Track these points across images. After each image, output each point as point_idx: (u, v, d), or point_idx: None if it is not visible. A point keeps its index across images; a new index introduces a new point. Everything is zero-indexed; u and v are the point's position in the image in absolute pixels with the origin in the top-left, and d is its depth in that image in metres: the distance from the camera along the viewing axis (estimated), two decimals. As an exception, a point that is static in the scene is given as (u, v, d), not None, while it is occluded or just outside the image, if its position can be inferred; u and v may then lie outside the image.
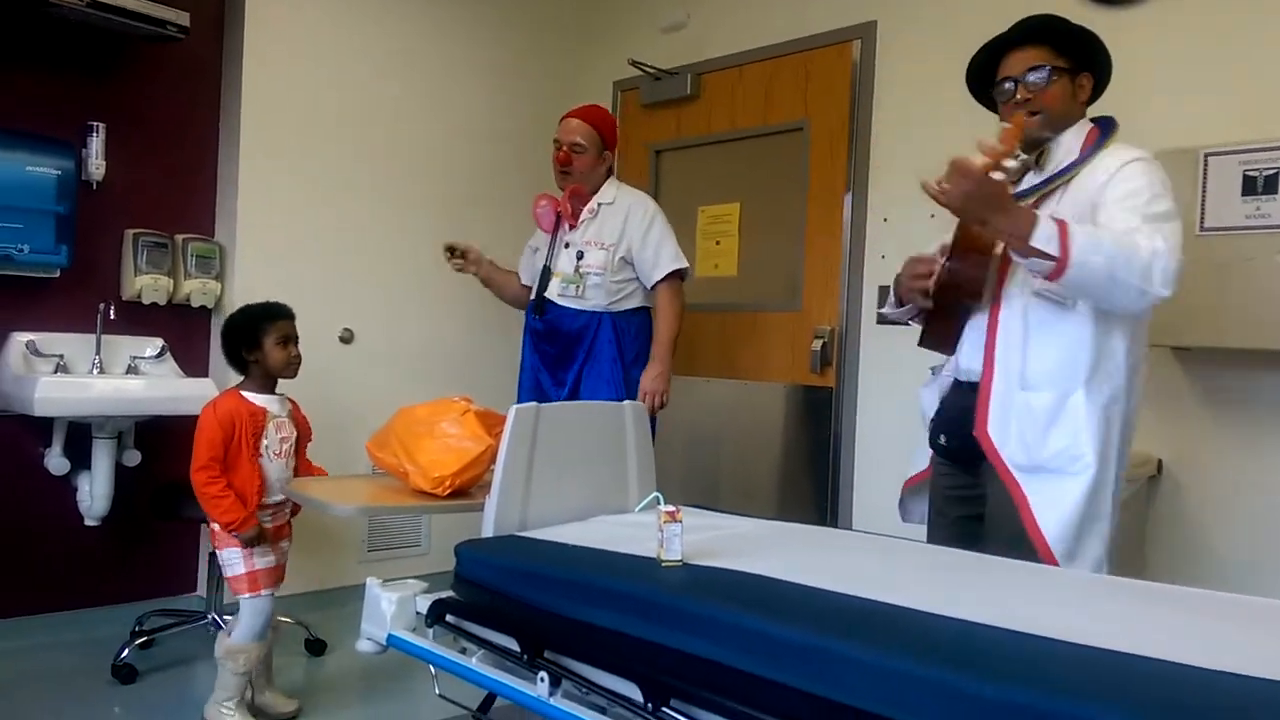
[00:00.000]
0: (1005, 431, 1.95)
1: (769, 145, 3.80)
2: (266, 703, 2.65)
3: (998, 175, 1.74)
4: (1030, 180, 2.05)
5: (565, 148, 3.14)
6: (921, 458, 2.26)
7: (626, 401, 2.30)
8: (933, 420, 2.18)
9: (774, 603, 1.47)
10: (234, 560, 2.54)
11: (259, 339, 2.60)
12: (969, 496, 2.09)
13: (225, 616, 3.07)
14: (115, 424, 3.12)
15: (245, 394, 2.59)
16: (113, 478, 3.13)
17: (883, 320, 2.20)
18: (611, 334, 3.12)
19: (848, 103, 3.52)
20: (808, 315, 3.64)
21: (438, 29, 3.98)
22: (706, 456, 3.94)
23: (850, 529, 3.30)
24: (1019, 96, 2.03)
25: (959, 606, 1.43)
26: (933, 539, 2.17)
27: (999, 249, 1.97)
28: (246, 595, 2.53)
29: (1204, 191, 2.53)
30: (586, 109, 3.25)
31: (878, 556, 1.87)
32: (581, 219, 3.15)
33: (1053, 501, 1.89)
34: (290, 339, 2.64)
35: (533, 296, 3.24)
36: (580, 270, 3.11)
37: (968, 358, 2.07)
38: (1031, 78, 2.02)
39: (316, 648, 3.19)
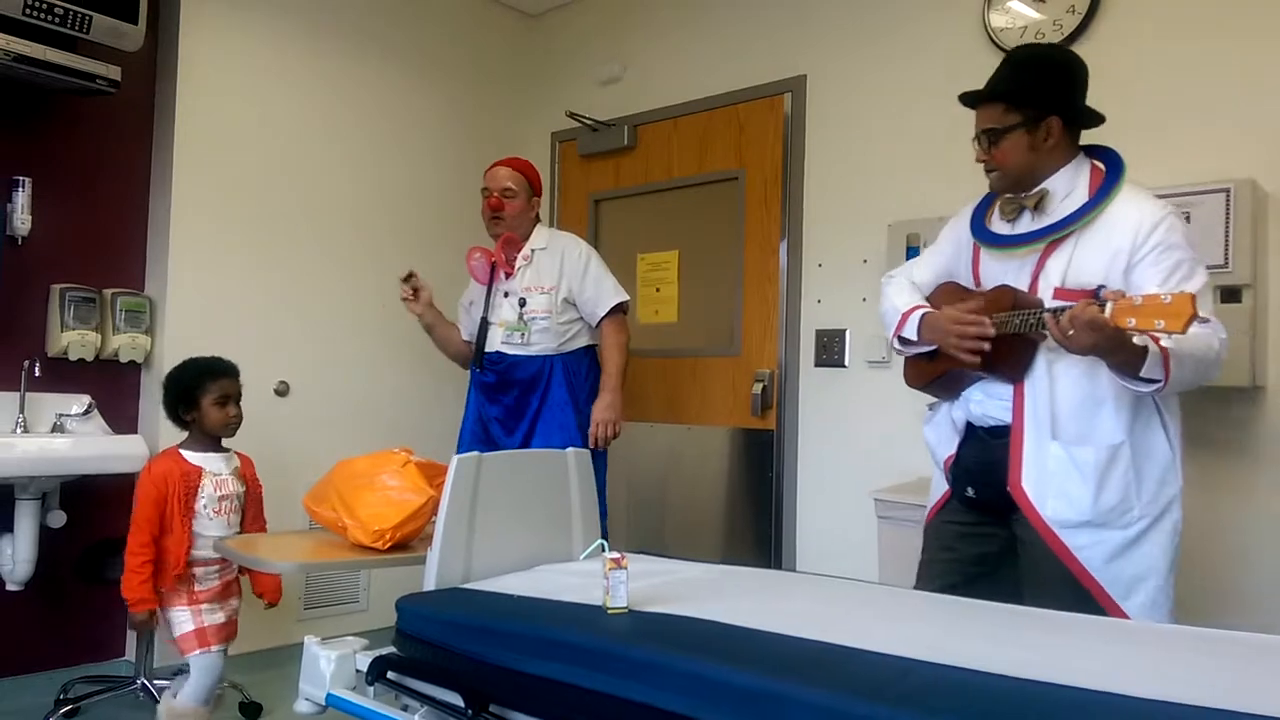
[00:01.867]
0: (1044, 487, 1.93)
1: (705, 194, 3.88)
2: (201, 770, 2.56)
3: (1136, 338, 1.75)
4: (1030, 224, 2.04)
5: (496, 194, 3.18)
6: (937, 490, 2.24)
7: (569, 449, 2.30)
8: (953, 469, 2.14)
9: (721, 647, 1.47)
10: (182, 619, 2.49)
11: (196, 398, 2.55)
12: (984, 534, 2.07)
13: (156, 681, 2.96)
14: (40, 484, 3.01)
15: (184, 452, 2.54)
16: (37, 540, 3.01)
17: (900, 343, 2.18)
18: (563, 377, 3.13)
19: (780, 153, 3.61)
20: (747, 359, 3.68)
21: (376, 80, 3.99)
22: (651, 500, 3.94)
23: (794, 569, 3.32)
24: (976, 156, 2.09)
25: (906, 645, 1.45)
26: (932, 573, 2.14)
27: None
28: (197, 653, 2.48)
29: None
30: (511, 159, 3.31)
31: (823, 598, 1.89)
32: (517, 266, 3.17)
33: (1105, 556, 1.89)
34: (230, 398, 2.60)
35: (474, 351, 3.23)
36: (524, 316, 3.12)
37: (980, 405, 2.06)
38: (984, 140, 2.05)
39: (251, 711, 3.08)
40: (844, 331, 3.42)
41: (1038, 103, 2.01)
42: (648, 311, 4.00)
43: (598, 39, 4.26)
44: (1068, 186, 2.02)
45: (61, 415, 3.18)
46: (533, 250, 3.19)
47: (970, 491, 2.09)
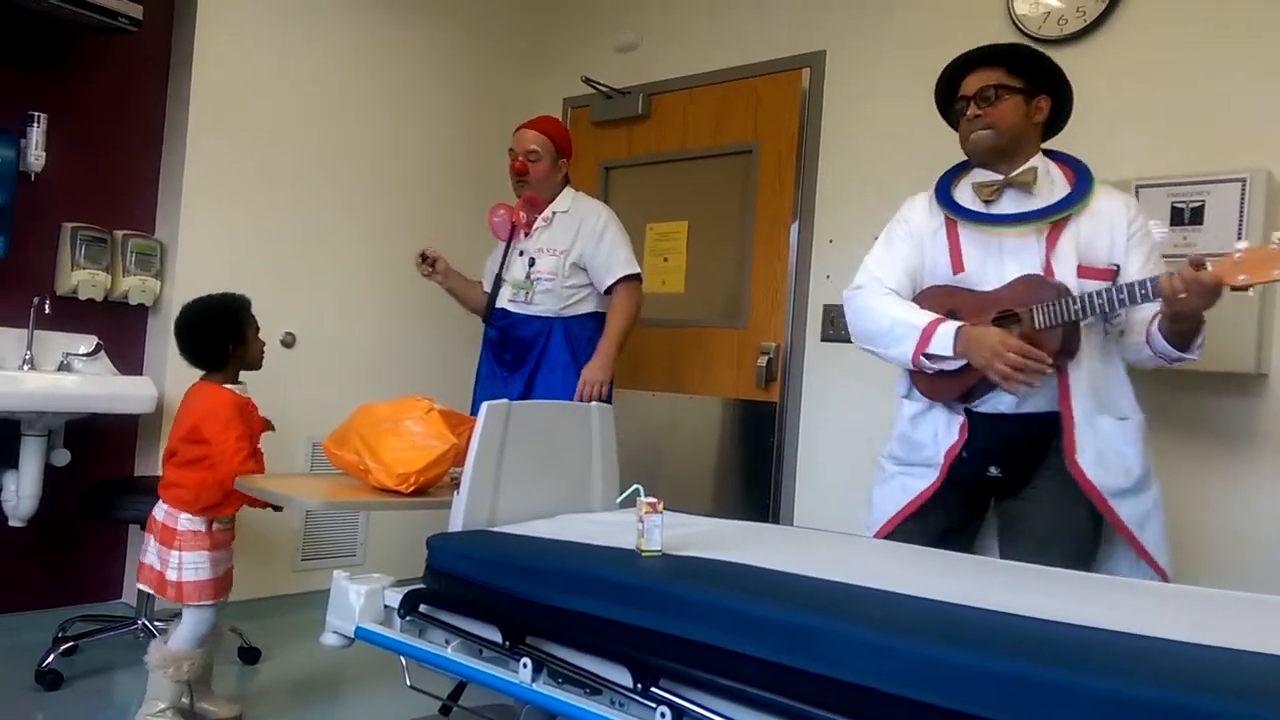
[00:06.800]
0: (1099, 459, 2.00)
1: (718, 166, 3.90)
2: (206, 709, 2.57)
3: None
4: (1024, 202, 2.10)
5: (520, 157, 3.18)
6: (890, 501, 2.24)
7: (594, 403, 2.33)
8: (963, 451, 2.11)
9: (758, 586, 1.51)
10: (201, 564, 2.41)
11: (243, 330, 2.52)
12: (965, 534, 2.15)
13: (157, 623, 2.96)
14: (46, 421, 3.01)
15: (230, 387, 2.50)
16: (41, 477, 3.01)
17: (928, 360, 2.11)
18: (564, 340, 3.14)
19: (796, 128, 3.63)
20: (753, 332, 3.72)
21: (392, 33, 3.98)
22: (647, 468, 3.97)
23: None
24: (969, 113, 2.15)
25: (934, 589, 1.50)
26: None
27: None
28: (208, 603, 2.42)
29: (1135, 220, 2.68)
30: (540, 119, 3.29)
31: (845, 549, 1.94)
32: (536, 226, 3.18)
33: (1146, 521, 2.02)
34: (258, 329, 2.59)
35: (486, 304, 3.26)
36: (531, 276, 3.14)
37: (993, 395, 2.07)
38: (985, 94, 2.13)
39: (250, 656, 3.11)
40: (852, 307, 3.45)
41: (1037, 78, 2.13)
42: (655, 281, 4.01)
43: (615, 4, 4.25)
44: (1055, 176, 2.13)
45: (69, 354, 3.18)
46: (554, 212, 3.20)
47: (994, 470, 2.13)
